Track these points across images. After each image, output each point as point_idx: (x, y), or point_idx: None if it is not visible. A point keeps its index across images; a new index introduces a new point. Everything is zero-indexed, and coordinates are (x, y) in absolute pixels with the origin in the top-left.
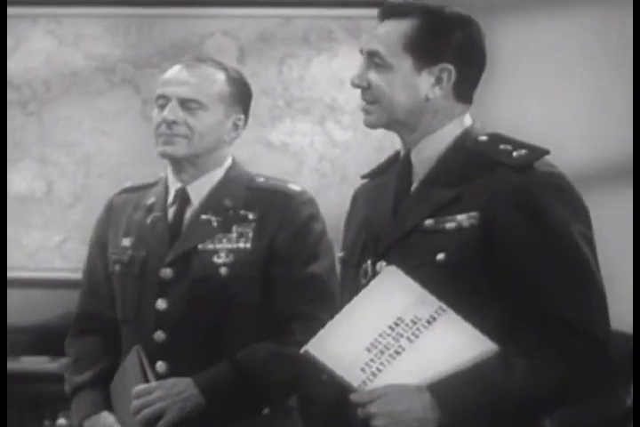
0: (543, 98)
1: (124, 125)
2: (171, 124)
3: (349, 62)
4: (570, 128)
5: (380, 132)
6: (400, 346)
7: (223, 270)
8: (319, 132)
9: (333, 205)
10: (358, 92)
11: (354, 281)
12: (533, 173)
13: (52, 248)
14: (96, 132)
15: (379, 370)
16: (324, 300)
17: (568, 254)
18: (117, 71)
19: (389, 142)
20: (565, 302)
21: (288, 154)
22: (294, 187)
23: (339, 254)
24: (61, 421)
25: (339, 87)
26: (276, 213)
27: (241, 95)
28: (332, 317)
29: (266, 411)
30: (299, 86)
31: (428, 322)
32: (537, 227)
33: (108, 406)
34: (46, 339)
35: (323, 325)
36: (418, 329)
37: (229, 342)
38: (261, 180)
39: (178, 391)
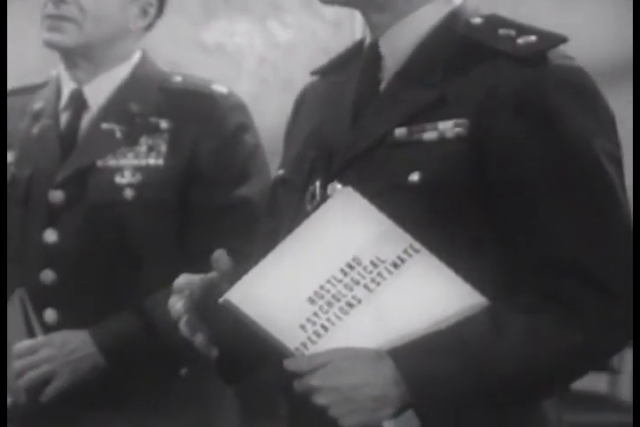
0: None
1: None
2: (58, 2)
3: None
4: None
5: (329, 31)
6: (354, 297)
7: (128, 193)
8: (259, 32)
9: (274, 114)
10: None
11: (296, 208)
12: (545, 68)
13: None
14: None
15: (324, 328)
16: (257, 231)
17: (589, 179)
18: None
19: (338, 43)
20: (583, 245)
21: (224, 56)
22: (220, 88)
23: (278, 173)
24: None
25: None
26: (197, 120)
27: None
28: (263, 251)
29: (183, 372)
30: None
31: (395, 265)
32: (548, 140)
33: None
34: None
35: (255, 263)
36: (380, 274)
37: (136, 285)
38: (178, 79)
39: (70, 349)
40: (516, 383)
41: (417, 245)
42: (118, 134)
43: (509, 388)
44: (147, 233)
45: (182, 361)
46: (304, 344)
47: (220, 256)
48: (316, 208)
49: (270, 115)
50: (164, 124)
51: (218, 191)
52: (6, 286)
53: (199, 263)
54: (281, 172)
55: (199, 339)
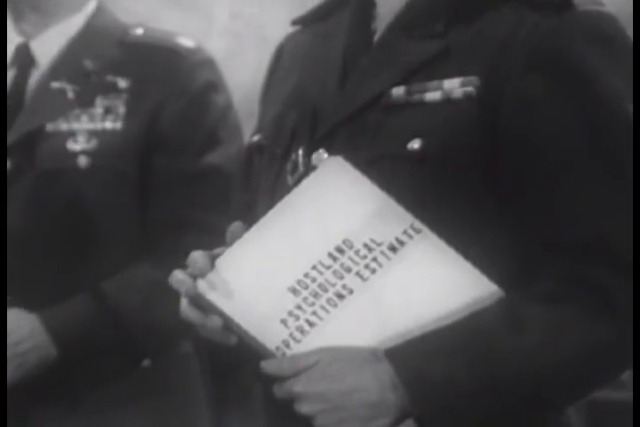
0: None
1: None
2: None
3: None
4: None
5: None
6: (345, 286)
7: (82, 161)
8: None
9: (248, 71)
10: None
11: (275, 181)
12: (570, 14)
13: None
14: None
15: (310, 324)
16: (228, 203)
17: (620, 150)
18: None
19: None
20: (614, 225)
21: (194, 9)
22: (186, 42)
23: (253, 138)
24: None
25: None
26: (159, 78)
27: None
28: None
29: (146, 363)
30: None
31: (392, 249)
32: (575, 102)
33: None
34: None
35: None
36: (375, 260)
37: (92, 265)
38: (139, 32)
39: (17, 341)
40: (536, 389)
41: (419, 225)
42: (70, 94)
43: (528, 395)
44: (103, 206)
45: (145, 351)
46: (286, 342)
47: (237, 228)
48: (299, 181)
49: (244, 72)
50: (122, 82)
51: (184, 159)
52: (6, 285)
53: (164, 241)
54: (257, 137)
55: (214, 322)
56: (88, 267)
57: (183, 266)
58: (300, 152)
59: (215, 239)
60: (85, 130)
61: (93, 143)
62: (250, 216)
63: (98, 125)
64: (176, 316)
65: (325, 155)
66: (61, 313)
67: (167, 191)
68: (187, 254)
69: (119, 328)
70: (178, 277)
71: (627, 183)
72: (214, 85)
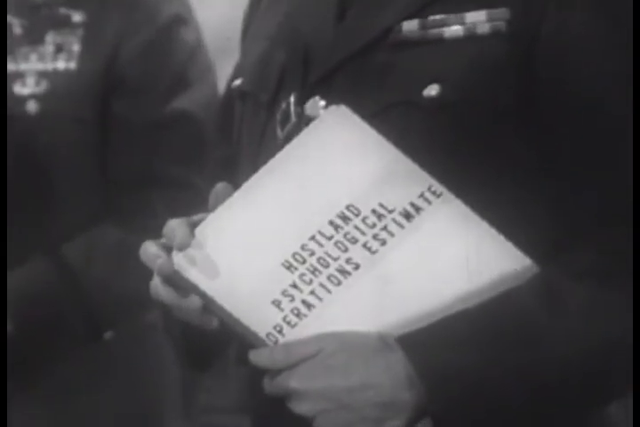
0: None
1: None
2: None
3: None
4: None
5: None
6: (350, 260)
7: (32, 107)
8: None
9: (223, 3)
10: None
11: (261, 134)
12: None
13: None
14: None
15: (307, 306)
16: (200, 156)
17: None
18: None
19: None
20: None
21: None
22: None
23: (233, 83)
24: None
25: None
26: (119, 11)
27: None
28: (212, 185)
29: (108, 335)
30: None
31: (406, 216)
32: (624, 39)
33: None
34: None
35: (199, 195)
36: (386, 229)
37: (49, 225)
38: None
39: None
40: (581, 381)
41: (438, 188)
42: (17, 30)
43: (571, 387)
44: (58, 158)
45: (108, 321)
46: (278, 328)
47: (223, 190)
48: (291, 134)
49: (219, 4)
50: (77, 16)
51: (147, 103)
52: (6, 283)
53: (128, 198)
54: (238, 82)
55: (192, 303)
56: (45, 227)
57: (151, 228)
58: (292, 100)
59: (185, 196)
60: (35, 71)
61: (44, 86)
62: (230, 174)
63: (49, 66)
64: (143, 282)
65: (322, 103)
66: (13, 279)
67: (130, 141)
68: (153, 213)
69: (80, 296)
70: (149, 250)
71: None
72: (182, 19)
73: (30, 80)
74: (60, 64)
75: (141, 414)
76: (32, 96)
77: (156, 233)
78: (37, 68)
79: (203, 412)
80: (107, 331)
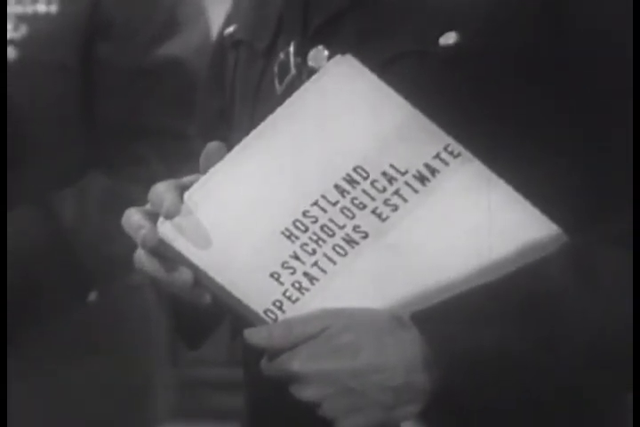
0: None
1: None
2: None
3: None
4: None
5: None
6: (357, 229)
7: (10, 53)
8: None
9: None
10: None
11: (258, 86)
12: None
13: None
14: None
15: (310, 279)
16: (191, 104)
17: None
18: None
19: None
20: None
21: None
22: None
23: (226, 31)
24: None
25: None
26: None
27: None
28: (205, 136)
29: (92, 297)
30: None
31: (421, 179)
32: None
33: None
34: None
35: (193, 147)
36: (398, 193)
37: (31, 178)
38: None
39: None
40: (617, 358)
41: (456, 147)
42: None
43: (607, 366)
44: (39, 107)
45: (95, 280)
46: (278, 303)
47: (215, 150)
48: (291, 88)
49: None
50: None
51: (135, 48)
52: (7, 282)
53: (114, 150)
54: (231, 29)
55: (182, 277)
56: (29, 180)
57: (142, 178)
58: (291, 49)
59: (177, 147)
60: (13, 14)
61: (23, 31)
62: (223, 129)
63: (28, 8)
64: (130, 241)
65: (326, 52)
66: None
67: (116, 89)
68: (144, 163)
69: (63, 250)
70: (133, 218)
71: None
72: None
73: (8, 24)
74: (41, 7)
75: (129, 373)
76: (10, 42)
77: (147, 183)
78: (16, 12)
79: (192, 365)
80: (91, 292)
